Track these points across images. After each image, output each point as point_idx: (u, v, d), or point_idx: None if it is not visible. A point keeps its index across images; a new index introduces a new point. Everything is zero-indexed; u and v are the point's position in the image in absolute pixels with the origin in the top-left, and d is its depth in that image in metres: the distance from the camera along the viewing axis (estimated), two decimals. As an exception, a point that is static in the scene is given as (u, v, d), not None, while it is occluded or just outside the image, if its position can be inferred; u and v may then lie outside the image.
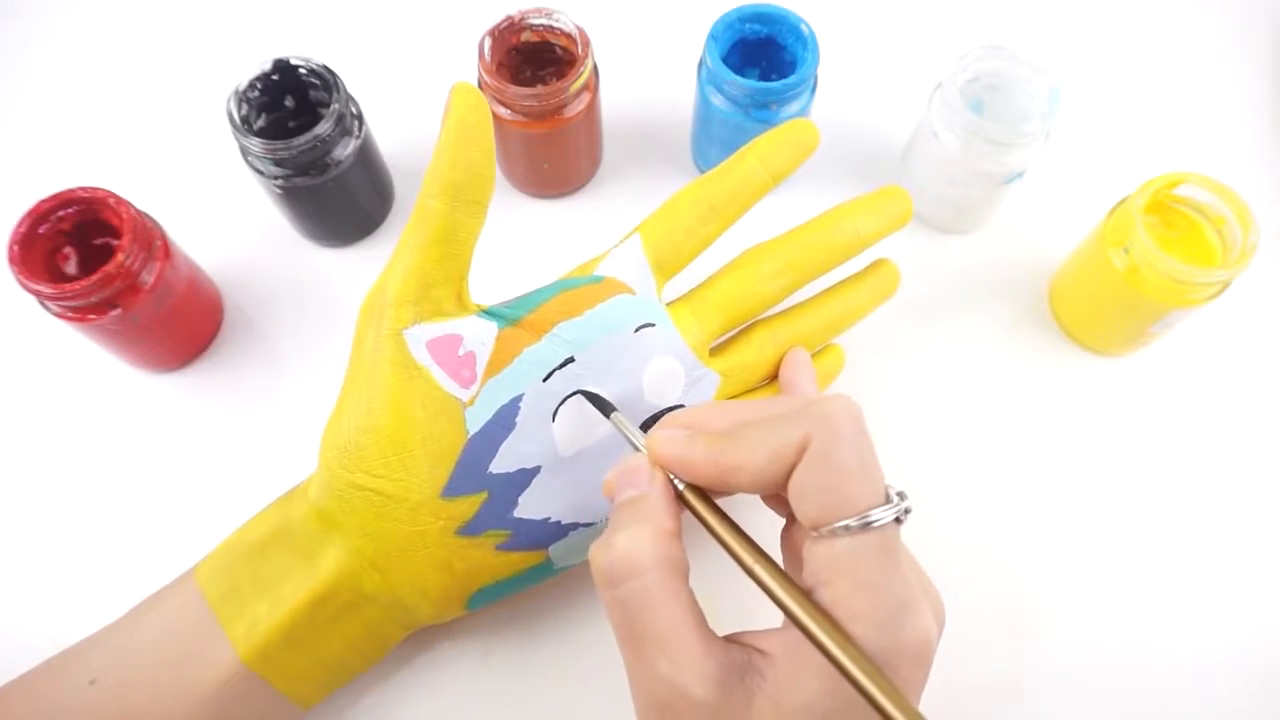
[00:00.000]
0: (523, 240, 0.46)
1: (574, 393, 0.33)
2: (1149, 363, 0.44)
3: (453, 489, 0.32)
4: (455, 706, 0.37)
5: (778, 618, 0.25)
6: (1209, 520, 0.41)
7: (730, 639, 0.26)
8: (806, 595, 0.24)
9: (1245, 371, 0.44)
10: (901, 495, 0.25)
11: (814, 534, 0.25)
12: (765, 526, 0.28)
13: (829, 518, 0.24)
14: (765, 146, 0.37)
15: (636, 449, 0.29)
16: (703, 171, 0.48)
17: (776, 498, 0.27)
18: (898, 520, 0.24)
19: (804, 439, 0.25)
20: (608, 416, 0.32)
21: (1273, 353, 0.44)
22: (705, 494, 0.27)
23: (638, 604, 0.25)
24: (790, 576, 0.25)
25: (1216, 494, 0.41)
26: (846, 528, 0.24)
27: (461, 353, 0.33)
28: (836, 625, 0.24)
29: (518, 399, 0.33)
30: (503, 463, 0.32)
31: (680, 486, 0.27)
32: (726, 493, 0.28)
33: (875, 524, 0.24)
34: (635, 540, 0.26)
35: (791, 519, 0.28)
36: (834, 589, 0.24)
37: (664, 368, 0.35)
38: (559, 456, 0.33)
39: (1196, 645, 0.39)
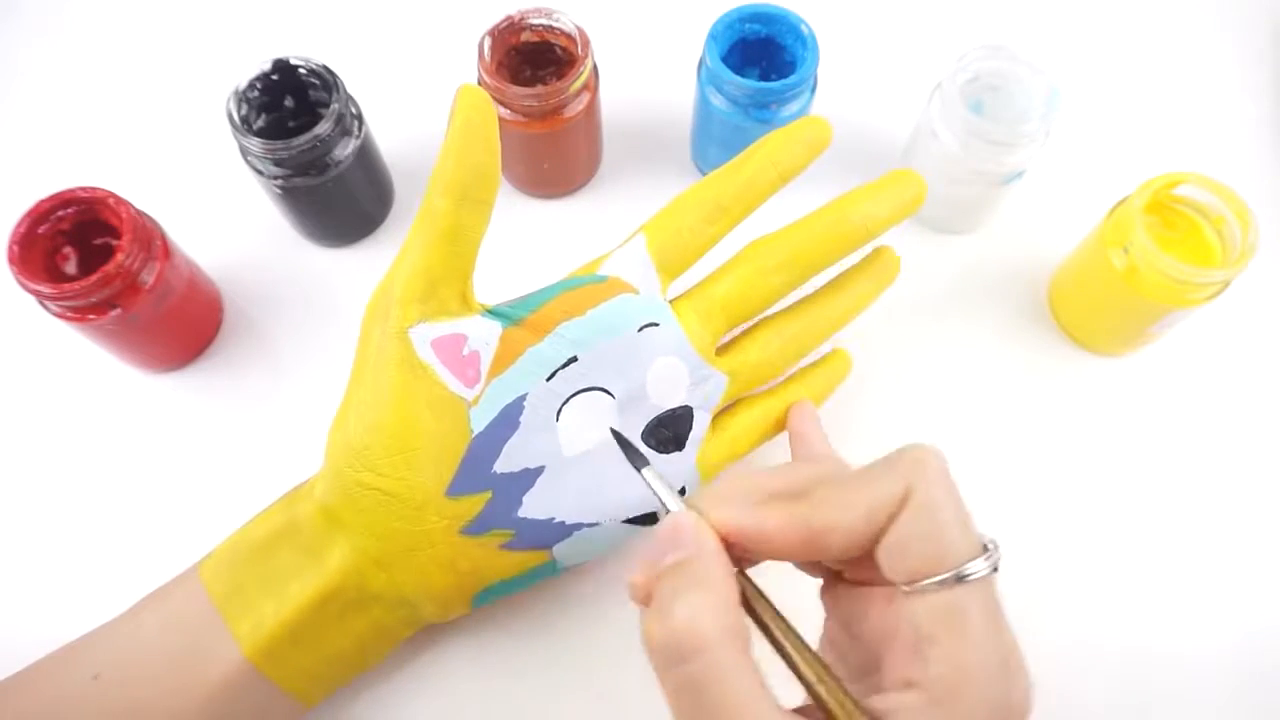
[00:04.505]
0: (523, 240, 0.46)
1: (615, 435, 0.32)
2: (1149, 363, 0.44)
3: (457, 488, 0.32)
4: (457, 703, 0.37)
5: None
6: (1208, 520, 0.41)
7: (798, 711, 0.24)
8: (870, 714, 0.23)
9: (1245, 371, 0.44)
10: (994, 544, 0.23)
11: (905, 589, 0.23)
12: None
13: (931, 570, 0.22)
14: (775, 145, 0.36)
15: (668, 509, 0.26)
16: (703, 172, 0.48)
17: (816, 560, 0.25)
18: (995, 570, 0.23)
19: (905, 490, 0.23)
20: (639, 470, 0.29)
21: (1273, 353, 0.44)
22: (762, 592, 0.25)
23: (708, 683, 0.22)
24: (851, 696, 0.23)
25: (1216, 493, 0.41)
26: (942, 581, 0.22)
27: (466, 352, 0.33)
28: None
29: (521, 399, 0.33)
30: (506, 462, 0.32)
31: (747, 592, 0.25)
32: (789, 559, 0.25)
33: (971, 576, 0.22)
34: (697, 610, 0.22)
35: (832, 578, 0.27)
36: (943, 647, 0.22)
37: (668, 367, 0.35)
38: (563, 457, 0.33)
39: (1195, 643, 0.39)
